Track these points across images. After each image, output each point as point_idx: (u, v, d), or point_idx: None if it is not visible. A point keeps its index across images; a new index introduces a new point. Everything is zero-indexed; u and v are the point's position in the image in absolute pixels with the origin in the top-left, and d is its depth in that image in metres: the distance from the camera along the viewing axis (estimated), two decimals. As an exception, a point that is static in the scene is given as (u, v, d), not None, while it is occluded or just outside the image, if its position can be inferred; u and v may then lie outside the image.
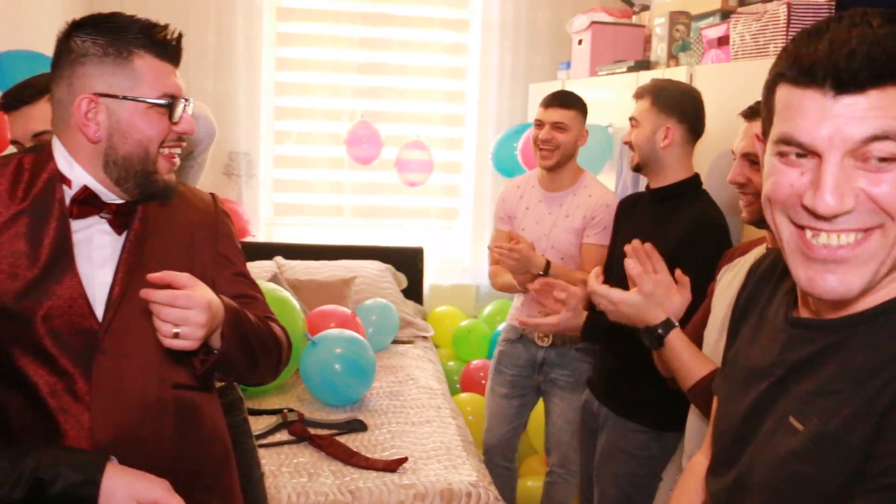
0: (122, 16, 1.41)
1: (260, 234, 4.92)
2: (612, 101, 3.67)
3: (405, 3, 4.85)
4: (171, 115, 1.42)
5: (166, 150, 1.44)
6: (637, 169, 2.49)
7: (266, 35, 4.76)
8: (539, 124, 2.99)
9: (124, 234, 1.47)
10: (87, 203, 1.43)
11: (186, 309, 1.29)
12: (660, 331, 1.73)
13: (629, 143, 2.49)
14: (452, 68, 4.98)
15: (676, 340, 1.72)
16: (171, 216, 1.55)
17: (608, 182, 3.58)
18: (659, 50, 3.49)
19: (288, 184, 5.02)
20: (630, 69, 3.55)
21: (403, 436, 3.11)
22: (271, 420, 3.22)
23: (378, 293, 4.48)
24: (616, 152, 3.52)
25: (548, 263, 2.81)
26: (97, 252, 1.45)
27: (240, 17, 4.64)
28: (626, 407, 2.48)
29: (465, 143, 5.02)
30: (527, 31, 4.81)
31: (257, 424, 3.18)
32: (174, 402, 1.52)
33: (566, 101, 3.00)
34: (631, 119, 2.49)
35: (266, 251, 4.66)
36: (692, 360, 1.72)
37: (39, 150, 1.47)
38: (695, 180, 2.44)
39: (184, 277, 1.32)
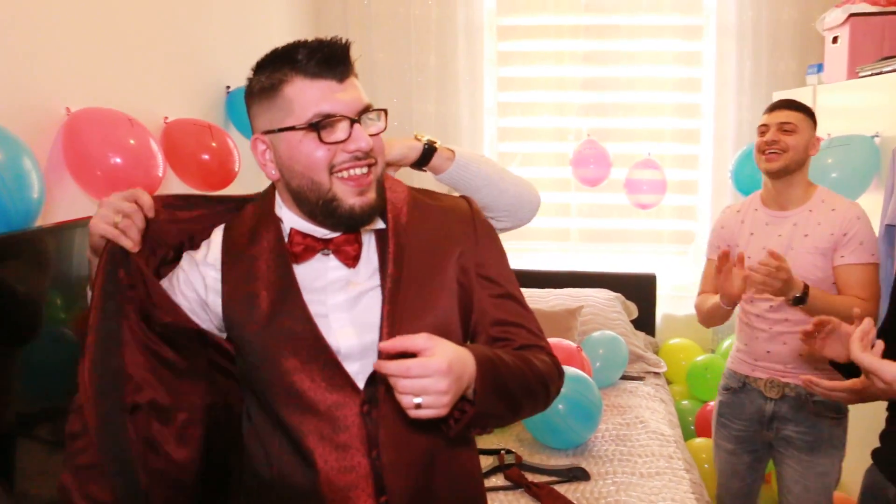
0: (289, 44, 1.32)
1: (483, 260, 4.78)
2: (879, 106, 3.16)
3: (632, 12, 4.54)
4: (320, 136, 1.29)
5: (344, 174, 1.32)
6: None
7: (487, 55, 4.65)
8: (763, 129, 2.65)
9: (363, 264, 1.41)
10: (304, 244, 1.39)
11: (423, 378, 1.16)
12: None
13: None
14: (685, 80, 4.58)
15: None
16: (425, 239, 1.43)
17: (874, 203, 3.08)
18: (940, 40, 2.94)
19: (512, 208, 4.85)
20: (902, 67, 3.03)
21: (630, 489, 2.80)
22: (487, 461, 3.03)
23: (606, 324, 4.19)
24: (885, 167, 3.00)
25: (806, 287, 2.42)
26: (332, 286, 1.39)
27: (460, 38, 4.57)
28: None
29: (701, 160, 4.60)
30: (769, 33, 4.31)
31: (473, 466, 3.02)
32: (443, 446, 1.44)
33: (792, 103, 2.65)
34: None
35: (489, 278, 4.50)
36: None
37: (266, 191, 1.46)
38: None
39: (420, 340, 1.18)
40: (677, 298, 4.66)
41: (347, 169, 1.31)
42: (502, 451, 3.07)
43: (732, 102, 4.38)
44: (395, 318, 1.36)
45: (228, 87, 3.46)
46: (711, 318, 2.73)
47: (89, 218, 2.05)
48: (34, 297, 1.88)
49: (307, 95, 1.29)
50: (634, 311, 4.46)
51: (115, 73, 2.66)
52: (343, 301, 1.38)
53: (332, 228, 1.37)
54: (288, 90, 1.29)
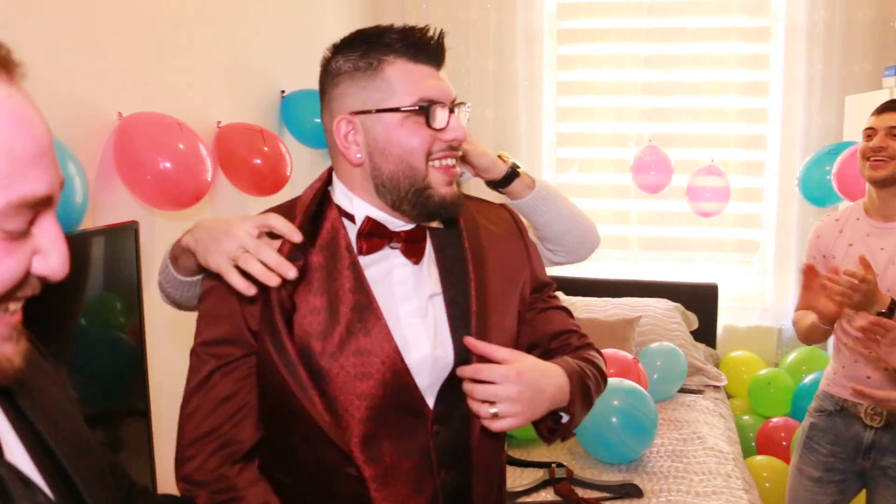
0: (379, 27, 1.27)
1: (540, 266, 4.70)
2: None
3: (696, 14, 4.41)
4: (428, 121, 1.24)
5: (437, 163, 1.28)
6: None
7: (546, 59, 4.57)
8: (870, 133, 2.40)
9: (426, 262, 1.35)
10: (375, 235, 1.30)
11: (493, 384, 1.22)
12: None
13: None
14: (751, 83, 4.43)
15: None
16: (490, 239, 1.42)
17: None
18: None
19: (570, 214, 4.76)
20: None
21: (684, 508, 2.69)
22: (537, 474, 2.96)
23: (665, 335, 4.07)
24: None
25: (892, 302, 2.17)
26: (399, 287, 1.32)
27: (519, 42, 4.50)
28: None
29: (767, 167, 4.44)
30: (842, 34, 4.11)
31: (522, 478, 2.96)
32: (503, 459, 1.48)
33: None
34: None
35: (545, 285, 4.42)
36: None
37: (316, 190, 1.35)
38: None
39: (501, 352, 1.25)
40: (740, 309, 4.51)
41: (441, 158, 1.28)
42: (553, 465, 2.99)
43: (801, 107, 4.21)
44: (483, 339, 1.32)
45: (283, 92, 3.46)
46: (810, 337, 2.51)
47: (133, 222, 2.08)
48: (76, 299, 1.89)
49: (410, 78, 1.24)
50: (695, 321, 4.32)
51: (168, 78, 2.67)
52: (416, 307, 1.31)
53: (414, 219, 1.31)
54: (389, 71, 1.24)
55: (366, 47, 1.25)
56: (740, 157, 4.46)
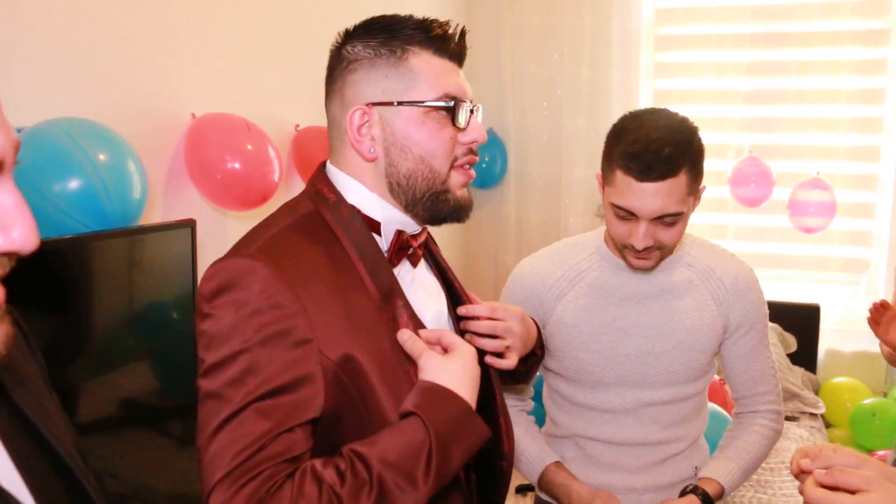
0: (397, 16, 1.21)
1: (633, 281, 4.54)
2: None
3: (803, 18, 4.16)
4: (453, 119, 1.17)
5: (456, 163, 1.22)
6: None
7: (643, 66, 4.42)
8: None
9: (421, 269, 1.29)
10: (403, 248, 1.22)
11: (505, 321, 1.32)
12: None
13: None
14: (864, 91, 4.14)
15: None
16: None
17: None
18: None
19: (665, 227, 4.58)
20: None
21: (763, 543, 2.51)
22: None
23: (759, 357, 3.83)
24: None
25: None
26: (419, 294, 1.26)
27: (615, 49, 4.35)
28: None
29: (881, 181, 4.15)
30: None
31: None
32: None
33: None
34: None
35: (637, 300, 4.26)
36: None
37: (321, 197, 1.21)
38: None
39: (491, 306, 1.35)
40: (844, 333, 4.21)
41: (465, 164, 1.22)
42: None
43: (920, 116, 3.92)
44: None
45: (367, 97, 3.46)
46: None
47: (190, 220, 2.09)
48: (129, 294, 1.91)
49: (435, 72, 1.18)
50: (793, 344, 4.06)
51: (248, 82, 2.71)
52: (436, 314, 1.26)
53: (424, 222, 1.25)
54: (415, 61, 1.17)
55: (387, 35, 1.18)
56: (850, 170, 4.18)
